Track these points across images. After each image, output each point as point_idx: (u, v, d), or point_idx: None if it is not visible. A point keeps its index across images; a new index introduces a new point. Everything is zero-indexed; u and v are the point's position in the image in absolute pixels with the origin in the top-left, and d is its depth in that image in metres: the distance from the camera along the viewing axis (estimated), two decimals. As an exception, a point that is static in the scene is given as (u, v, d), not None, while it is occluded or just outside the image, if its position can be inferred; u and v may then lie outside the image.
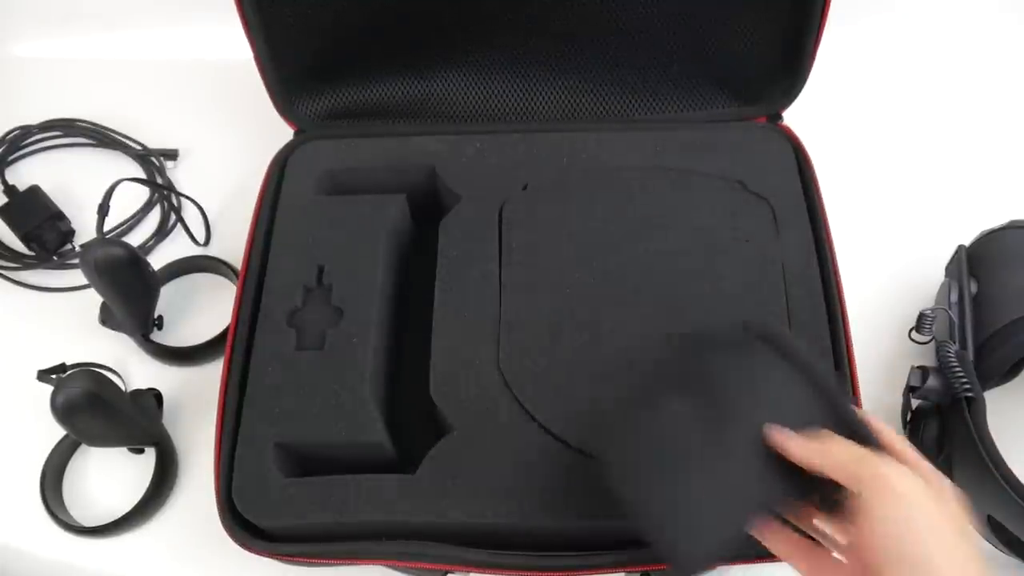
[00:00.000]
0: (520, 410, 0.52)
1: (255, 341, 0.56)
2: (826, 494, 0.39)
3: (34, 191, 0.72)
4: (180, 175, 0.77)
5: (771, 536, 0.42)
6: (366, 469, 0.51)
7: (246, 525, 0.51)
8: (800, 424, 0.40)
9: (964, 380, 0.52)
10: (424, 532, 0.49)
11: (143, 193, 0.74)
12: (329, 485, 0.51)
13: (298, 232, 0.60)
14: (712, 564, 0.47)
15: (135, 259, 0.62)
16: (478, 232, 0.59)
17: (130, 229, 0.73)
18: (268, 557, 0.50)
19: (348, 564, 0.50)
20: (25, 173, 0.77)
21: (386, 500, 0.50)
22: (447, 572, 0.50)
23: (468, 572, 0.48)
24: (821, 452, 0.38)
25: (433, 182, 0.63)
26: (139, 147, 0.77)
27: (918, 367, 0.55)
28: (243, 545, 0.50)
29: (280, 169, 0.64)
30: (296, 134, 0.68)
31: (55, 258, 0.71)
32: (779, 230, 0.58)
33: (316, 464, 0.53)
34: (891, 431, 0.40)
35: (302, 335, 0.56)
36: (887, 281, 0.66)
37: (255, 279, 0.59)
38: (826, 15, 0.60)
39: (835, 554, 0.40)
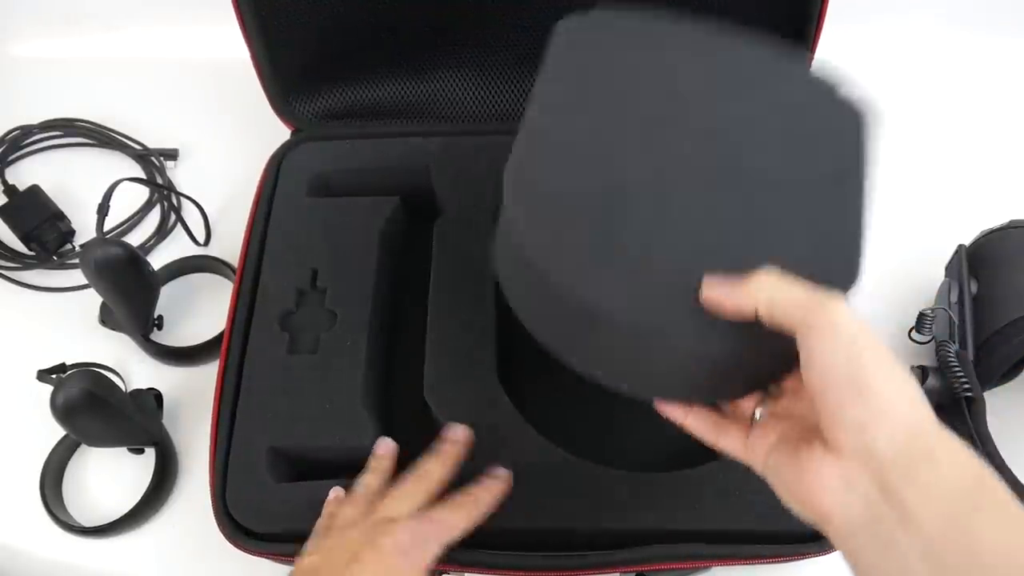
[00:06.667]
0: (514, 411, 0.52)
1: (249, 345, 0.56)
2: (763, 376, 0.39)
3: (34, 191, 0.72)
4: (180, 175, 0.77)
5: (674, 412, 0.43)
6: (360, 471, 0.51)
7: (242, 528, 0.51)
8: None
9: (964, 380, 0.52)
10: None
11: (143, 193, 0.74)
12: (323, 489, 0.50)
13: (292, 235, 0.60)
14: None
15: (135, 259, 0.62)
16: (472, 232, 0.59)
17: (130, 229, 0.73)
18: (266, 558, 0.50)
19: (345, 564, 0.50)
20: (25, 173, 0.77)
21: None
22: (441, 572, 0.50)
23: (461, 572, 0.48)
24: (762, 297, 0.35)
25: (428, 183, 0.63)
26: (139, 147, 0.77)
27: (918, 367, 0.55)
28: (241, 547, 0.50)
29: (276, 170, 0.64)
30: (293, 134, 0.68)
31: (55, 258, 0.71)
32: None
33: (310, 468, 0.53)
34: None
35: (296, 339, 0.56)
36: (887, 281, 0.66)
37: (251, 282, 0.59)
38: (824, 15, 0.60)
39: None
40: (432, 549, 0.43)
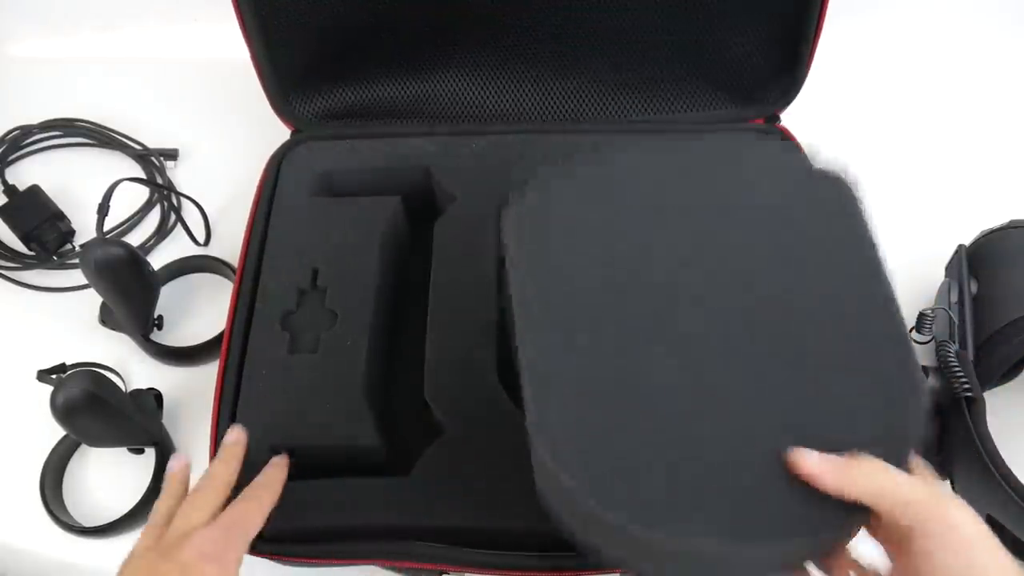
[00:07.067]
0: (514, 411, 0.52)
1: (249, 345, 0.56)
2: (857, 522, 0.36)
3: (34, 191, 0.72)
4: (180, 175, 0.77)
5: None
6: (360, 471, 0.51)
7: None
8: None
9: (964, 380, 0.52)
10: (418, 533, 0.49)
11: (143, 193, 0.74)
12: (323, 489, 0.51)
13: (293, 234, 0.60)
14: None
15: (135, 259, 0.62)
16: (473, 233, 0.59)
17: (130, 229, 0.73)
18: (264, 557, 0.50)
19: (344, 564, 0.50)
20: (25, 173, 0.77)
21: (380, 503, 0.50)
22: (442, 572, 0.50)
23: (463, 572, 0.48)
24: (873, 488, 0.34)
25: (428, 183, 0.63)
26: (139, 147, 0.77)
27: (918, 367, 0.55)
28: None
29: (276, 170, 0.64)
30: (293, 134, 0.68)
31: (55, 258, 0.71)
32: None
33: (310, 467, 0.53)
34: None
35: (296, 338, 0.56)
36: (887, 281, 0.66)
37: (251, 281, 0.59)
38: (824, 15, 0.60)
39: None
40: (238, 547, 0.43)
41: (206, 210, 0.72)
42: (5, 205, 0.72)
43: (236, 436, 0.50)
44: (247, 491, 0.46)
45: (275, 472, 0.48)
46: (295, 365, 0.55)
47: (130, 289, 0.62)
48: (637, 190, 0.44)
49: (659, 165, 0.45)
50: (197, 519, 0.43)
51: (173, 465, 0.48)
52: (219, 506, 0.45)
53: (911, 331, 0.59)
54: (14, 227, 0.70)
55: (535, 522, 0.49)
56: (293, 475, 0.53)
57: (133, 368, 0.65)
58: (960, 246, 0.61)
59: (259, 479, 0.48)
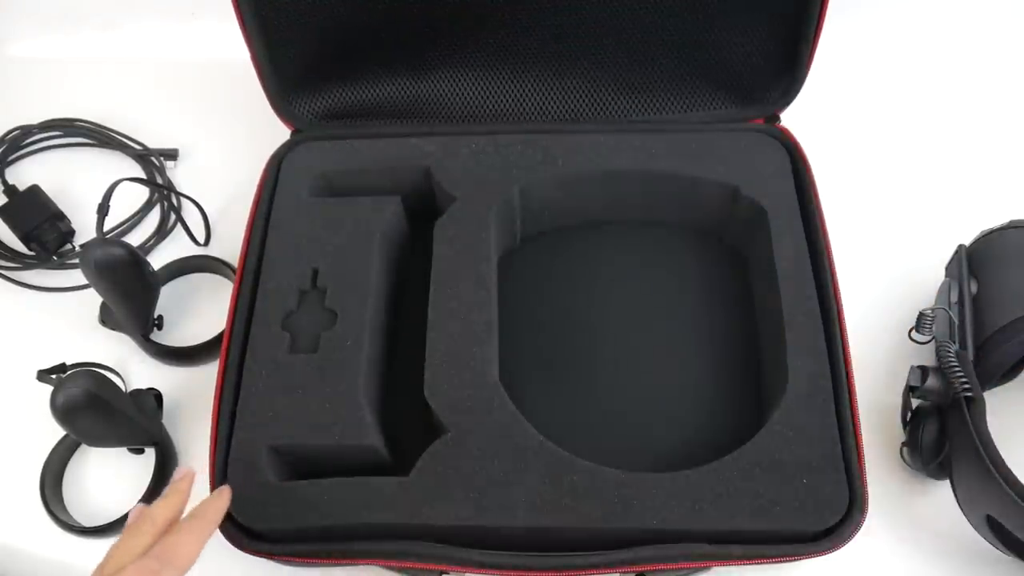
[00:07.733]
0: (514, 411, 0.52)
1: (249, 345, 0.56)
2: None
3: (34, 191, 0.72)
4: (180, 175, 0.77)
5: None
6: (360, 471, 0.51)
7: (243, 527, 0.51)
8: None
9: (964, 380, 0.52)
10: (418, 533, 0.49)
11: (143, 193, 0.74)
12: (323, 488, 0.51)
13: (293, 235, 0.60)
14: None
15: (135, 259, 0.62)
16: (473, 233, 0.59)
17: (130, 229, 0.73)
18: (264, 558, 0.50)
19: (344, 564, 0.50)
20: (25, 173, 0.77)
21: (380, 502, 0.50)
22: (442, 572, 0.50)
23: (463, 572, 0.48)
24: None
25: (428, 183, 0.63)
26: (139, 147, 0.77)
27: (918, 367, 0.55)
28: (239, 547, 0.50)
29: (276, 170, 0.65)
30: (293, 134, 0.68)
31: (55, 258, 0.71)
32: (774, 233, 0.58)
33: (310, 467, 0.53)
34: None
35: (296, 338, 0.56)
36: (887, 281, 0.66)
37: (251, 281, 0.59)
38: (824, 15, 0.60)
39: None
40: None
41: (206, 210, 0.72)
42: (5, 205, 0.72)
43: (183, 474, 0.49)
44: (181, 523, 0.46)
45: (213, 502, 0.48)
46: (295, 365, 0.55)
47: (130, 289, 0.62)
48: None
49: None
50: (127, 557, 0.43)
51: (132, 514, 0.47)
52: (151, 543, 0.44)
53: (911, 331, 0.59)
54: (14, 227, 0.70)
55: (535, 522, 0.49)
56: (293, 475, 0.53)
57: (133, 368, 0.65)
58: (960, 246, 0.61)
59: (195, 510, 0.47)
